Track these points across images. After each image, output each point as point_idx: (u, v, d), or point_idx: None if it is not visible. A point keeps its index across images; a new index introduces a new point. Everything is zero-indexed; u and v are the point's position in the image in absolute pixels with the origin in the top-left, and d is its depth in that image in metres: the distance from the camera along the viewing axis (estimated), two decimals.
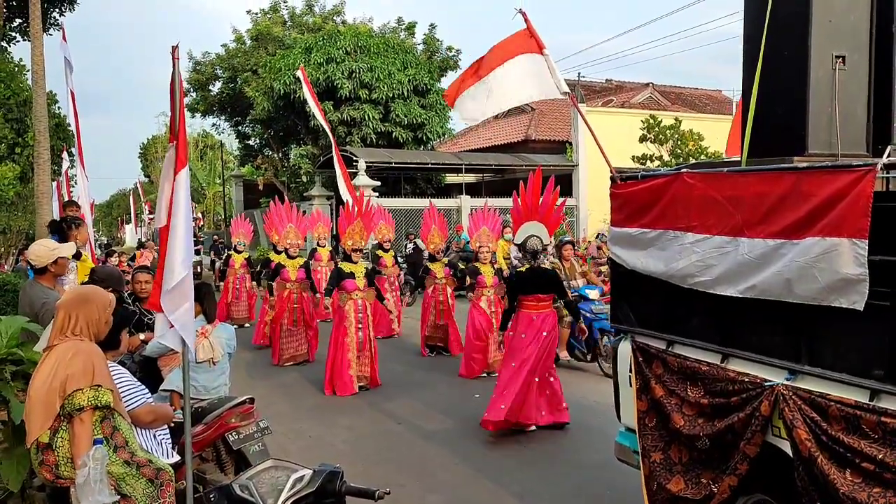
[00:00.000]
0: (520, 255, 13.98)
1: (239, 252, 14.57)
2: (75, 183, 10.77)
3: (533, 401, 7.03)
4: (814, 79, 4.08)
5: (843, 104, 4.10)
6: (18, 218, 17.26)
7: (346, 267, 9.31)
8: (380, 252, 13.44)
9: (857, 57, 4.19)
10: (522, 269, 7.53)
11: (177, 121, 3.67)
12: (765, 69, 4.15)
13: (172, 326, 3.72)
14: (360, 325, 9.09)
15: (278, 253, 12.60)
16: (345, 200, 13.26)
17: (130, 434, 3.58)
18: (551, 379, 7.25)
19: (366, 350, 9.12)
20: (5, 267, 16.50)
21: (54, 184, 13.42)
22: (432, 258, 11.68)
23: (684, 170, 4.27)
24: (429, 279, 11.37)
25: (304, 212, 24.52)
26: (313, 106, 16.69)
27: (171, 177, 3.73)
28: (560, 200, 7.98)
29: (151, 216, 37.58)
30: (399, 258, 17.24)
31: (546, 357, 7.16)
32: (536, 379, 7.05)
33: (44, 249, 5.38)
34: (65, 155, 14.51)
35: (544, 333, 7.10)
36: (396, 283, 13.50)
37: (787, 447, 3.50)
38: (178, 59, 3.64)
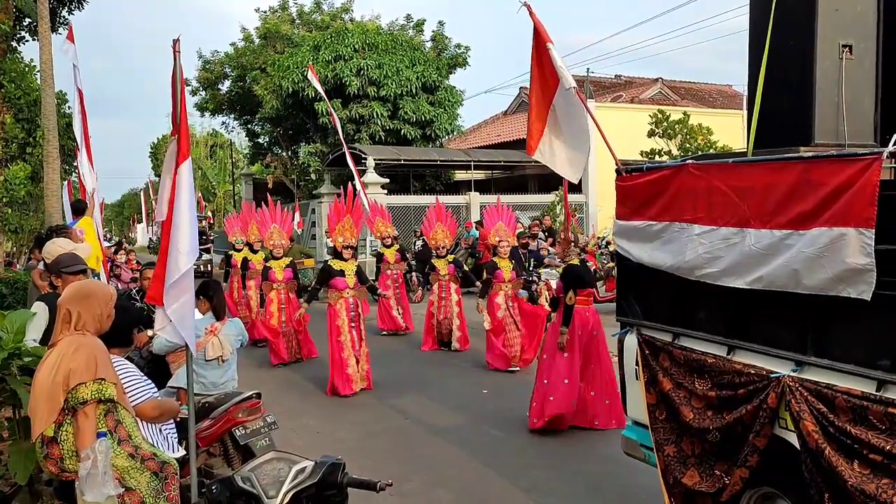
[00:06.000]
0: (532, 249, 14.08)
1: (238, 251, 14.52)
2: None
3: (589, 404, 6.99)
4: (820, 68, 4.05)
5: (849, 93, 4.07)
6: (30, 217, 17.33)
7: (335, 265, 9.13)
8: (382, 249, 13.49)
9: (864, 46, 4.15)
10: (576, 261, 7.29)
11: (178, 114, 3.67)
12: (771, 59, 4.11)
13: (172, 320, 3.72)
14: (353, 324, 8.92)
15: (254, 252, 13.08)
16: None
17: (134, 428, 3.58)
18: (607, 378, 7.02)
19: (359, 349, 8.93)
20: (17, 266, 16.58)
21: (65, 183, 13.44)
22: (437, 255, 11.80)
23: (689, 161, 4.25)
24: (433, 275, 11.60)
25: (314, 210, 24.58)
26: (326, 104, 16.76)
27: (173, 169, 3.73)
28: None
29: None
30: (408, 255, 17.24)
31: (602, 357, 7.06)
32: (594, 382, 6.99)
33: (58, 249, 5.41)
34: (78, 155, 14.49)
35: (595, 333, 7.06)
36: (401, 280, 13.52)
37: (794, 439, 3.48)
38: (179, 52, 3.64)
